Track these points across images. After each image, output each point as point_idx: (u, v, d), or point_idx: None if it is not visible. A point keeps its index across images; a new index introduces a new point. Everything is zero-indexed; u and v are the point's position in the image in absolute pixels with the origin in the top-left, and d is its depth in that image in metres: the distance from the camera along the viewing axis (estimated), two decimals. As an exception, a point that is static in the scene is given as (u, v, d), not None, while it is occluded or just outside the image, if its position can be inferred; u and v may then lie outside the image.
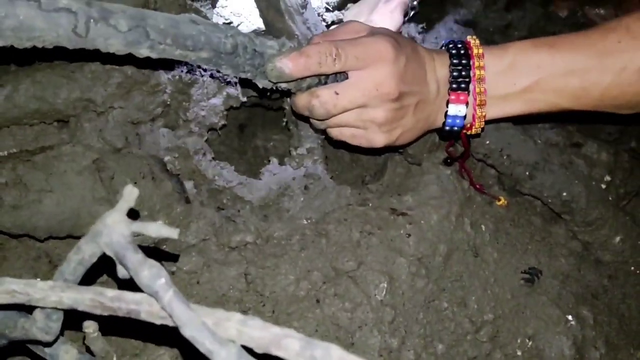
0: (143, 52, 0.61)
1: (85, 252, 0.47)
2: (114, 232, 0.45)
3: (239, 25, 0.99)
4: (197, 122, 0.91)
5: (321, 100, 0.74)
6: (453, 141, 0.93)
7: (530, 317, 0.91)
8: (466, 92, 0.82)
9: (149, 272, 0.43)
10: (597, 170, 1.06)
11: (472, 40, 0.83)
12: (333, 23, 1.17)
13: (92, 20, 0.57)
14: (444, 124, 0.84)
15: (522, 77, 0.83)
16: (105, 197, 0.76)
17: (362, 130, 0.80)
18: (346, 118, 0.78)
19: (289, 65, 0.70)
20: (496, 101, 0.84)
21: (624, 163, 1.11)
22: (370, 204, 0.89)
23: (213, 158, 0.94)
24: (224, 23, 0.97)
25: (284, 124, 0.98)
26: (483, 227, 0.93)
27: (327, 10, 1.15)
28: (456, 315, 0.87)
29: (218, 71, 0.68)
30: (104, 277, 0.80)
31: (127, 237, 0.45)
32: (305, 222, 0.88)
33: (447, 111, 0.83)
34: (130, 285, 0.45)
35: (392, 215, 0.87)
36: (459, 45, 0.83)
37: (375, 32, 0.78)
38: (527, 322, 0.90)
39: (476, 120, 0.84)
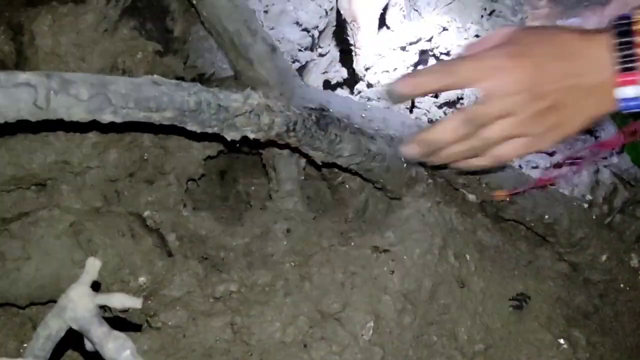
0: (106, 117, 0.62)
1: (52, 328, 0.47)
2: (78, 306, 0.45)
3: (211, 75, 1.00)
4: (176, 174, 0.92)
5: (471, 115, 0.74)
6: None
7: (521, 344, 0.90)
8: (636, 72, 0.71)
9: (114, 344, 0.43)
10: (578, 190, 1.07)
11: (634, 15, 0.73)
12: (307, 63, 1.18)
13: (52, 92, 0.58)
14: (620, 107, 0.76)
15: None
16: (84, 260, 0.76)
17: (523, 139, 0.76)
18: (501, 131, 0.75)
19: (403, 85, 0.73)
20: None
21: (605, 180, 1.11)
22: (352, 243, 0.89)
23: (194, 208, 0.94)
24: (197, 74, 0.99)
25: (263, 167, 0.98)
26: (468, 256, 0.93)
27: (300, 50, 1.16)
28: (447, 349, 0.86)
29: (184, 128, 0.69)
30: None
31: (92, 311, 0.45)
32: (288, 266, 0.88)
33: (618, 95, 0.74)
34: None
35: (375, 253, 0.87)
36: (623, 22, 0.73)
37: (503, 44, 0.76)
38: (519, 349, 0.90)
39: None
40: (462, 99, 1.16)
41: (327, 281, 0.85)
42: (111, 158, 0.86)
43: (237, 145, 0.79)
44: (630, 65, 0.71)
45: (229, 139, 0.72)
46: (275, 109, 0.73)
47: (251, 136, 0.73)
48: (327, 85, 1.32)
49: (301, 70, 1.19)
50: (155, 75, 0.65)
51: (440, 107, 1.14)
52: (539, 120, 0.74)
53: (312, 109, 0.79)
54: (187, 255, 0.88)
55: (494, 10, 1.37)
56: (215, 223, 0.94)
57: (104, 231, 0.80)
